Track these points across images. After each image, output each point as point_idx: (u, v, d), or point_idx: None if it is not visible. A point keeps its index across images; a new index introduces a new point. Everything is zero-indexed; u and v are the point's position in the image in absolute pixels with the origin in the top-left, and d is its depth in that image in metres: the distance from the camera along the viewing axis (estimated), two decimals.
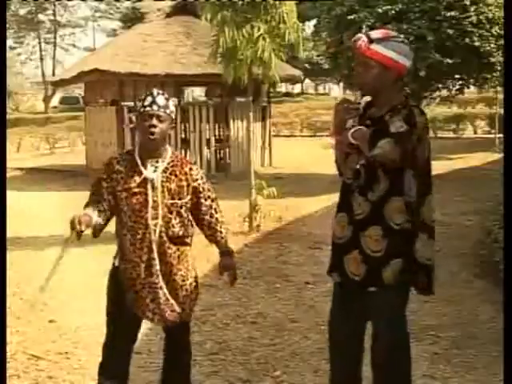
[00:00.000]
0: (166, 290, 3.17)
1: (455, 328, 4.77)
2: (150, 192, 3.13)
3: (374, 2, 11.82)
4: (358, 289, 2.91)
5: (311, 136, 22.76)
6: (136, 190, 3.13)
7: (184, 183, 3.19)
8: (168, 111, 3.15)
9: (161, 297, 3.17)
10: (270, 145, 15.64)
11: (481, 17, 11.52)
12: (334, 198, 3.31)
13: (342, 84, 27.33)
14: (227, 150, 14.59)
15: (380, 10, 11.60)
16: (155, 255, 3.14)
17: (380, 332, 2.90)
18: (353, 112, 2.87)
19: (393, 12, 11.56)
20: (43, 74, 43.94)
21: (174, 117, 3.21)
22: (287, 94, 38.34)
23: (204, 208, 3.28)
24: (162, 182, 3.15)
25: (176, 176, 3.18)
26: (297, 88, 43.50)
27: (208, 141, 14.24)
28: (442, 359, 4.23)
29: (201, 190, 3.24)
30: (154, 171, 3.16)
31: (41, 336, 4.83)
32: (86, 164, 15.43)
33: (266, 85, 12.79)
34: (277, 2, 7.69)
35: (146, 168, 3.16)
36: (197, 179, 3.24)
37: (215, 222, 3.33)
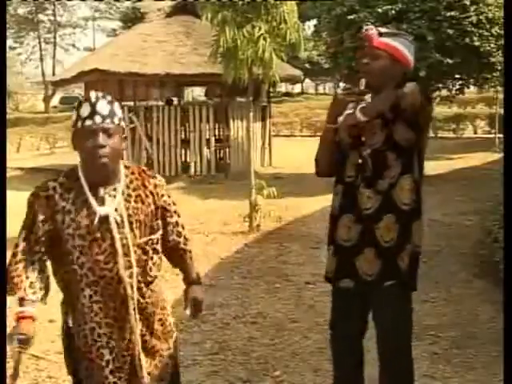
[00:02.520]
0: (142, 359, 2.43)
1: (455, 328, 4.77)
2: (116, 235, 2.31)
3: (374, 1, 11.80)
4: (369, 288, 2.82)
5: (311, 136, 22.73)
6: (96, 234, 2.30)
7: (152, 207, 2.43)
8: (116, 120, 2.32)
9: (132, 363, 2.43)
10: (269, 145, 15.65)
11: (481, 17, 11.50)
12: None
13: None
14: (227, 149, 14.60)
15: (380, 10, 11.58)
16: (132, 315, 2.38)
17: (387, 329, 2.86)
18: (354, 96, 2.79)
19: (393, 12, 11.54)
20: (43, 74, 44.00)
21: (124, 125, 2.38)
22: (287, 94, 38.35)
23: (170, 227, 2.54)
24: (129, 215, 2.34)
25: (143, 203, 2.39)
26: (297, 88, 43.50)
27: (208, 141, 14.24)
28: (441, 359, 4.23)
29: (167, 207, 2.50)
30: (112, 201, 2.34)
31: (41, 336, 4.82)
32: None
33: (266, 85, 12.79)
34: (277, 2, 7.70)
35: (102, 201, 2.32)
36: (162, 195, 2.48)
37: (184, 242, 2.61)
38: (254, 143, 9.56)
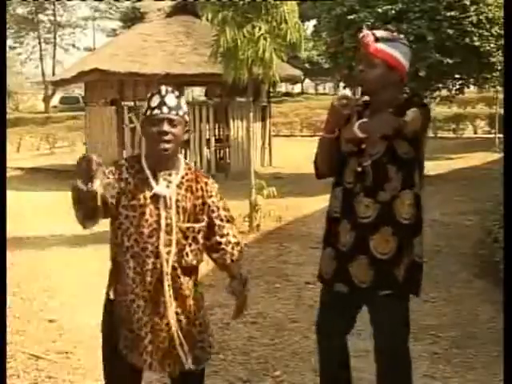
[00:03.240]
0: (180, 334, 2.60)
1: (455, 328, 4.77)
2: (162, 213, 2.57)
3: (374, 1, 11.80)
4: (364, 295, 2.85)
5: (311, 136, 22.73)
6: (146, 209, 2.55)
7: (200, 201, 2.66)
8: (181, 112, 2.57)
9: (169, 342, 2.60)
10: (269, 145, 15.65)
11: (481, 17, 11.50)
12: None
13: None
14: (227, 149, 14.60)
15: (380, 10, 11.58)
16: (166, 291, 2.57)
17: (384, 337, 2.86)
18: (353, 107, 2.77)
19: (393, 12, 11.54)
20: (43, 74, 44.00)
21: (187, 119, 2.63)
22: (287, 94, 38.38)
23: (216, 229, 2.72)
24: (177, 200, 2.59)
25: (192, 193, 2.64)
26: (297, 88, 43.52)
27: (208, 141, 14.24)
28: (442, 359, 4.23)
29: (214, 208, 2.70)
30: (167, 186, 2.59)
31: (40, 336, 4.82)
32: None
33: (266, 85, 12.79)
34: (278, 2, 7.69)
35: (157, 182, 2.59)
36: (211, 195, 2.70)
37: (225, 242, 2.74)
38: (253, 143, 9.56)
